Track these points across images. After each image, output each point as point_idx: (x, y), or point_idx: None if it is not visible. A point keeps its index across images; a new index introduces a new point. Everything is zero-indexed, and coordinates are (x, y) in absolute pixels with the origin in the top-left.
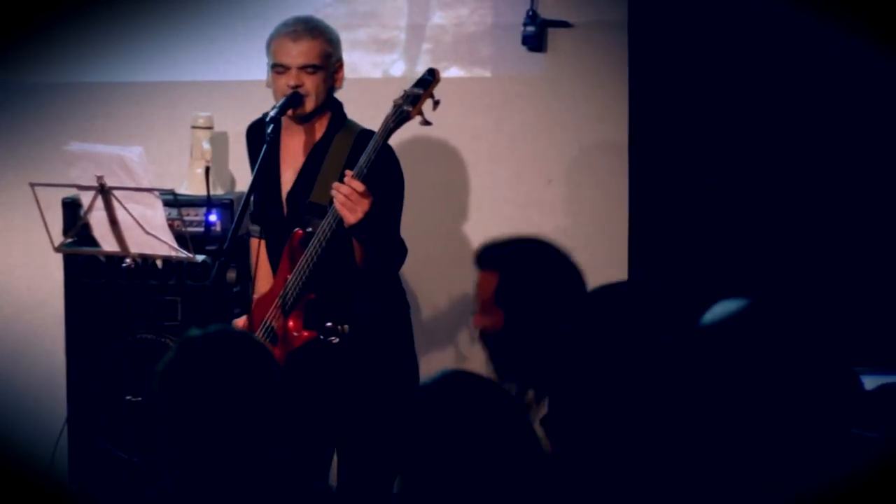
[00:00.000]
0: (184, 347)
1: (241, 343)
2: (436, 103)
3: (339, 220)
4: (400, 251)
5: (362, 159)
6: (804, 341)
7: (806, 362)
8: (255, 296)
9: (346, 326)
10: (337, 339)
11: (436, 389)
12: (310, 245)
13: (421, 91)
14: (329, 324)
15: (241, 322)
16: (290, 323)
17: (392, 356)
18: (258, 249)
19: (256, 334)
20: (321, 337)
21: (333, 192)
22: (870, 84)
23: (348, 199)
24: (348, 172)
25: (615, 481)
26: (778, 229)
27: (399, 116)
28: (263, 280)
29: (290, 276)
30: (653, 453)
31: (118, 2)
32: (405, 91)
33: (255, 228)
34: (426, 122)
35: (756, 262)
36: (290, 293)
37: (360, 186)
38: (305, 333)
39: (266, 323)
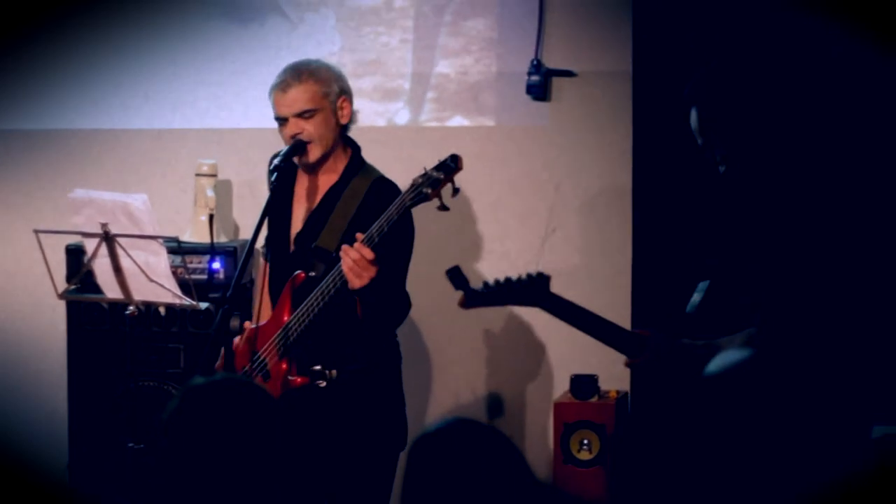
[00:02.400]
0: (189, 395)
1: (246, 391)
2: (455, 191)
3: (345, 281)
4: (403, 305)
5: (375, 227)
6: (804, 393)
7: (805, 413)
8: (252, 323)
9: (333, 372)
10: (324, 384)
11: (439, 436)
12: (312, 296)
13: (442, 176)
14: (318, 367)
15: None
16: (284, 366)
17: (379, 405)
18: (264, 272)
19: (246, 366)
20: (317, 382)
21: (342, 255)
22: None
23: (356, 264)
24: (359, 236)
25: None
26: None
27: (417, 197)
28: (263, 308)
29: (288, 319)
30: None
31: (124, 49)
32: (426, 172)
33: (265, 251)
34: (444, 208)
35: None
36: (288, 337)
37: (369, 254)
38: (299, 379)
39: (259, 357)
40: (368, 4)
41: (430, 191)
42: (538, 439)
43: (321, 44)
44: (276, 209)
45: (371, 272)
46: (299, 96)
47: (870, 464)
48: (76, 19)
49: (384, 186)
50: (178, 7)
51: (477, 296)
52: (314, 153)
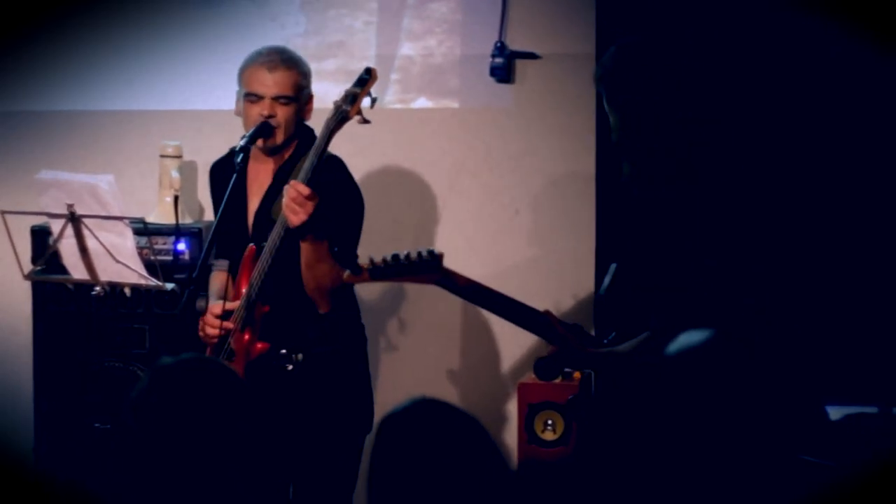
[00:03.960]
0: (156, 375)
1: (213, 370)
2: (373, 101)
3: (287, 228)
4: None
5: (307, 163)
6: (762, 373)
7: (765, 393)
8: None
9: (299, 355)
10: (291, 367)
11: (405, 416)
12: (262, 255)
13: (358, 90)
14: (283, 351)
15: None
16: (245, 336)
17: (346, 387)
18: (222, 281)
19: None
20: (280, 352)
21: (284, 195)
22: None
23: (293, 201)
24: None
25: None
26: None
27: (339, 116)
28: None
29: (244, 290)
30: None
31: (88, 31)
32: (345, 91)
33: (222, 263)
34: (365, 121)
35: (727, 290)
36: (248, 305)
37: (304, 190)
38: (258, 345)
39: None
40: None
41: (349, 108)
42: (503, 420)
43: (286, 26)
44: (234, 203)
45: (308, 207)
46: (284, 81)
47: (827, 442)
48: (39, 2)
49: (331, 160)
50: None
51: (373, 270)
52: (280, 137)
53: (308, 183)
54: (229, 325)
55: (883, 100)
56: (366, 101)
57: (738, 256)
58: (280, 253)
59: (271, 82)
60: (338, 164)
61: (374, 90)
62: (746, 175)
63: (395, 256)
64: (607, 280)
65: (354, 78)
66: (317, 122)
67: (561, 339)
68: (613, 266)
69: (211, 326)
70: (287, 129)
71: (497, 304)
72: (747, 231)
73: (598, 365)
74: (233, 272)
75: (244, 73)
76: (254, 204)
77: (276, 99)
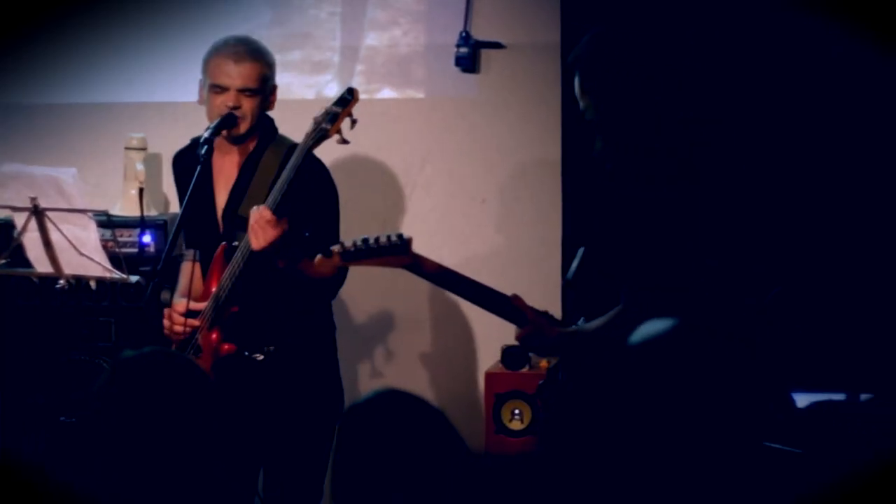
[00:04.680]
0: (118, 368)
1: (176, 363)
2: (353, 122)
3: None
4: (340, 274)
5: (282, 178)
6: (727, 361)
7: (730, 381)
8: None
9: (271, 347)
10: (262, 357)
11: (369, 407)
12: (233, 260)
13: (339, 110)
14: (246, 353)
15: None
16: (213, 335)
17: (316, 377)
18: (191, 272)
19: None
20: (245, 353)
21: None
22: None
23: (256, 224)
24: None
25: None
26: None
27: (318, 134)
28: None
29: (213, 288)
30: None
31: (50, 24)
32: (325, 109)
33: (190, 252)
34: (344, 141)
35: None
36: (216, 306)
37: (267, 215)
38: (225, 346)
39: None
40: None
41: (329, 127)
42: (470, 410)
43: (249, 18)
44: (199, 194)
45: (270, 234)
46: (250, 73)
47: (794, 429)
48: None
49: (311, 161)
50: None
51: (344, 254)
52: (244, 127)
53: (285, 198)
54: (195, 322)
55: (884, 99)
56: (347, 122)
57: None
58: (252, 257)
59: (236, 74)
60: (320, 169)
61: (340, 80)
62: (739, 173)
63: (365, 240)
64: (575, 264)
65: (319, 70)
66: (278, 114)
67: (530, 323)
68: (581, 250)
69: (177, 324)
70: (252, 120)
71: (466, 288)
72: (733, 227)
73: (567, 346)
74: (202, 263)
75: (209, 63)
76: (221, 198)
77: (241, 91)
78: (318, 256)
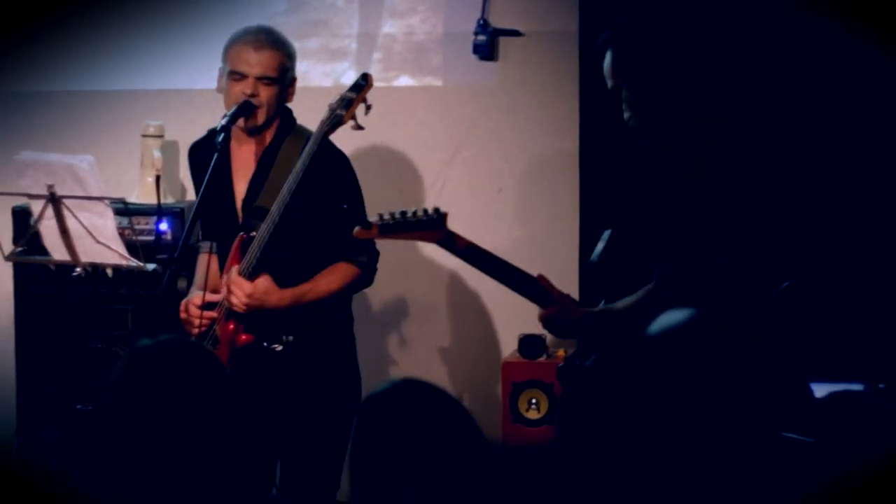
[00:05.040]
0: (134, 357)
1: (192, 352)
2: (368, 107)
3: (277, 225)
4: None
5: (295, 169)
6: (746, 350)
7: (747, 371)
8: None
9: (290, 337)
10: (280, 347)
11: (387, 397)
12: (249, 249)
13: (354, 95)
14: (265, 344)
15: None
16: (231, 326)
17: (333, 368)
18: (207, 264)
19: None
20: (264, 344)
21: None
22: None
23: (245, 301)
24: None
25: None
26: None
27: (333, 121)
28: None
29: None
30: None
31: (67, 12)
32: (340, 95)
33: (206, 244)
34: (359, 127)
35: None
36: None
37: (247, 288)
38: (243, 336)
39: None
40: None
41: (344, 112)
42: (487, 399)
43: (267, 5)
44: (217, 183)
45: (254, 301)
46: (270, 62)
47: (812, 420)
48: None
49: (328, 149)
50: None
51: (382, 226)
52: (261, 117)
53: (301, 182)
54: (212, 314)
55: (889, 99)
56: (361, 108)
57: (746, 249)
58: (269, 247)
59: (256, 61)
60: (337, 156)
61: (357, 68)
62: (756, 172)
63: (403, 213)
64: (601, 246)
65: (337, 57)
66: (296, 102)
67: (556, 302)
68: (608, 232)
69: (194, 317)
70: (269, 110)
71: (494, 266)
72: (751, 224)
73: (591, 326)
74: (220, 254)
75: (229, 51)
76: (240, 188)
77: (259, 79)
78: (357, 228)
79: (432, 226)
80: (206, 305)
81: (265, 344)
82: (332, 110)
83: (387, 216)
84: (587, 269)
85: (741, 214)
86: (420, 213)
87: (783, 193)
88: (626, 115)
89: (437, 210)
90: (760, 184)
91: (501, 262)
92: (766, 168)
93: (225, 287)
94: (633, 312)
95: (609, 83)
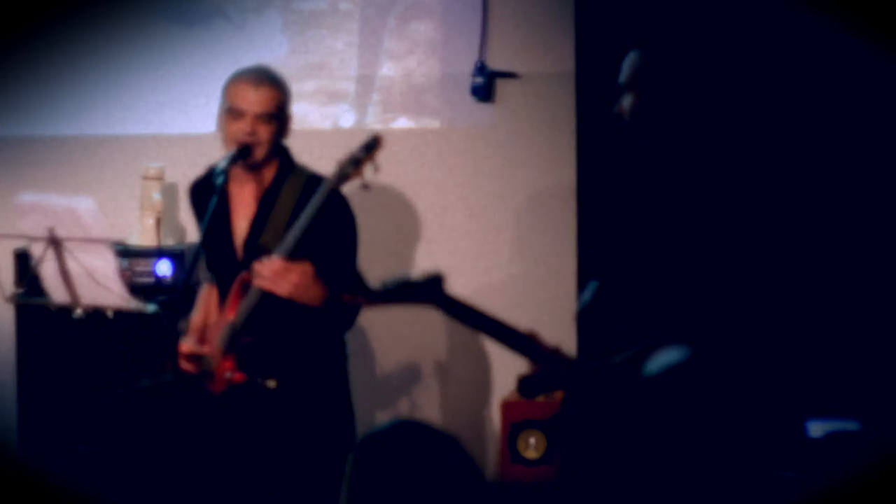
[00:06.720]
0: (135, 397)
1: (194, 391)
2: (376, 169)
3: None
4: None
5: (301, 220)
6: (742, 390)
7: (744, 410)
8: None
9: (273, 382)
10: (274, 384)
11: (384, 438)
12: (250, 290)
13: (363, 155)
14: (260, 380)
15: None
16: (227, 363)
17: (326, 408)
18: (207, 299)
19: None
20: (257, 380)
21: (256, 274)
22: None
23: (274, 277)
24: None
25: None
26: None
27: (340, 177)
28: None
29: (233, 317)
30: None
31: (69, 55)
32: (351, 153)
33: (209, 275)
34: (366, 186)
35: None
36: (232, 334)
37: (277, 266)
38: (238, 375)
39: (204, 359)
40: (313, 7)
41: (351, 170)
42: (485, 439)
43: (266, 47)
44: (216, 223)
45: (292, 279)
46: (269, 99)
47: (807, 459)
48: (20, 26)
49: (318, 181)
50: (121, 11)
51: (373, 295)
52: (259, 154)
53: (305, 237)
54: (192, 366)
55: (886, 100)
56: (370, 167)
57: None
58: (267, 296)
59: (255, 99)
60: (341, 203)
61: (356, 110)
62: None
63: (402, 279)
64: (587, 297)
65: (335, 99)
66: (294, 143)
67: (547, 358)
68: (594, 284)
69: (182, 361)
70: (267, 148)
71: (491, 327)
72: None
73: (584, 382)
74: (220, 291)
75: (228, 88)
76: (240, 227)
77: (258, 116)
78: (349, 295)
79: (430, 295)
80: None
81: (258, 380)
82: (341, 168)
83: (388, 283)
84: (577, 318)
85: (743, 255)
86: (418, 276)
87: (785, 227)
88: (624, 115)
89: (435, 274)
90: (763, 219)
91: (491, 320)
92: (769, 201)
93: (263, 278)
94: (626, 369)
95: (622, 80)
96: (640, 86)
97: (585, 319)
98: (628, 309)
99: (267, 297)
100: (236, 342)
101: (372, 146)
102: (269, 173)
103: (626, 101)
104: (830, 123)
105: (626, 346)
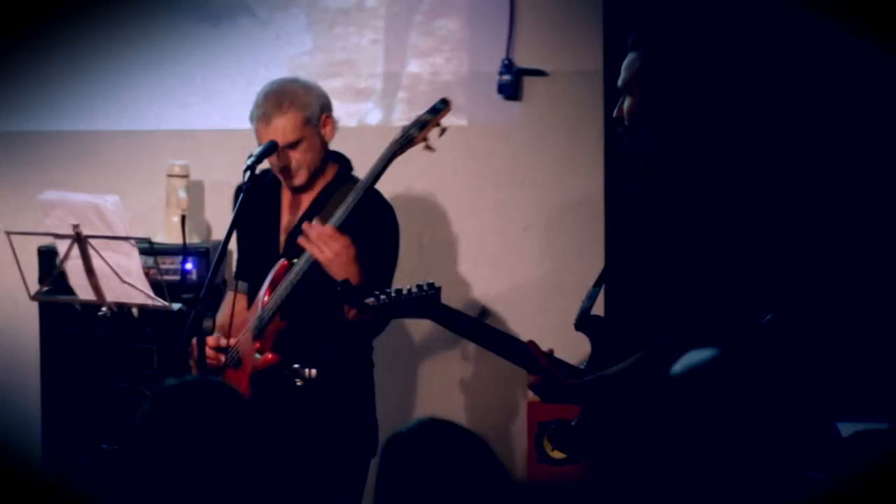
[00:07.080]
0: (160, 397)
1: (218, 392)
2: (443, 131)
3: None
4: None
5: (362, 181)
6: (771, 390)
7: (774, 410)
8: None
9: (313, 371)
10: (301, 382)
11: (411, 437)
12: (289, 273)
13: (430, 117)
14: (296, 365)
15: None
16: (256, 345)
17: (351, 408)
18: (232, 303)
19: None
20: (284, 371)
21: (304, 233)
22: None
23: (319, 240)
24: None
25: None
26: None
27: (404, 140)
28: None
29: (267, 301)
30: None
31: (94, 51)
32: (416, 117)
33: (241, 284)
34: (429, 148)
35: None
36: (263, 318)
37: (327, 230)
38: (269, 356)
39: (234, 347)
40: (339, 4)
41: (416, 133)
42: (512, 439)
43: (291, 44)
44: (263, 222)
45: (335, 247)
46: (284, 129)
47: (840, 459)
48: (47, 21)
49: (374, 193)
50: (147, 8)
51: (370, 309)
52: (300, 178)
53: (353, 212)
54: (221, 357)
55: (885, 100)
56: (436, 130)
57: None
58: (309, 274)
59: (272, 133)
60: (384, 205)
61: (382, 107)
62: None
63: (399, 292)
64: (587, 304)
65: (361, 97)
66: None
67: (542, 371)
68: (595, 291)
69: (209, 357)
70: (310, 166)
71: (488, 338)
72: (765, 243)
73: (587, 395)
74: (253, 292)
75: (253, 128)
76: (287, 223)
77: (282, 149)
78: (353, 311)
79: (428, 305)
80: (220, 349)
81: (295, 365)
82: (405, 131)
83: (384, 296)
84: (576, 323)
85: (750, 256)
86: (414, 290)
87: (793, 227)
88: (624, 118)
89: (431, 285)
90: (768, 219)
91: (490, 330)
92: (771, 201)
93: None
94: (626, 376)
95: (620, 83)
96: (638, 88)
97: (580, 327)
98: (633, 311)
99: (305, 282)
100: (268, 324)
101: (439, 108)
102: (323, 181)
103: (626, 104)
104: (830, 123)
105: (630, 350)
